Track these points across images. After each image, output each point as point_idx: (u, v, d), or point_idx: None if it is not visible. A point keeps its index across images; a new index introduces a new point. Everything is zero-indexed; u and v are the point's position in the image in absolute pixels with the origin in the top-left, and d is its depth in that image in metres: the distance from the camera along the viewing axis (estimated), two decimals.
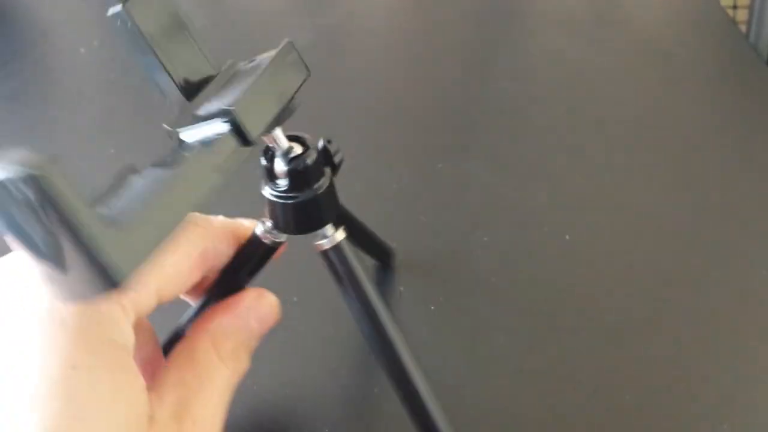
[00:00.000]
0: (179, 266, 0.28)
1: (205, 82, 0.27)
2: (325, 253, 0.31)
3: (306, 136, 0.29)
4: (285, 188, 0.29)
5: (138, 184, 0.22)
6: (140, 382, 0.24)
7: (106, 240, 0.18)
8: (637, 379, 0.38)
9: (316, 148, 0.29)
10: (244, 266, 0.32)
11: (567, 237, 0.46)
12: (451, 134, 0.56)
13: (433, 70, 0.64)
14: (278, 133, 0.28)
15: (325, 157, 0.30)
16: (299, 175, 0.28)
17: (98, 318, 0.23)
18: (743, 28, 0.84)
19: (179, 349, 0.28)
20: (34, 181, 0.17)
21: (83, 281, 0.19)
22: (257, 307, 0.30)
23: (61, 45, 0.70)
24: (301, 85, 0.27)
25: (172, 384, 0.26)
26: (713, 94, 0.61)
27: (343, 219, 0.33)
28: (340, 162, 0.30)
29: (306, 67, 0.27)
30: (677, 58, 0.65)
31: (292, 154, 0.28)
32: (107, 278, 0.19)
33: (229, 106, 0.24)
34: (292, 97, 0.26)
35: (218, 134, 0.24)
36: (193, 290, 0.31)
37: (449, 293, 0.38)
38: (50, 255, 0.18)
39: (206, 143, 0.24)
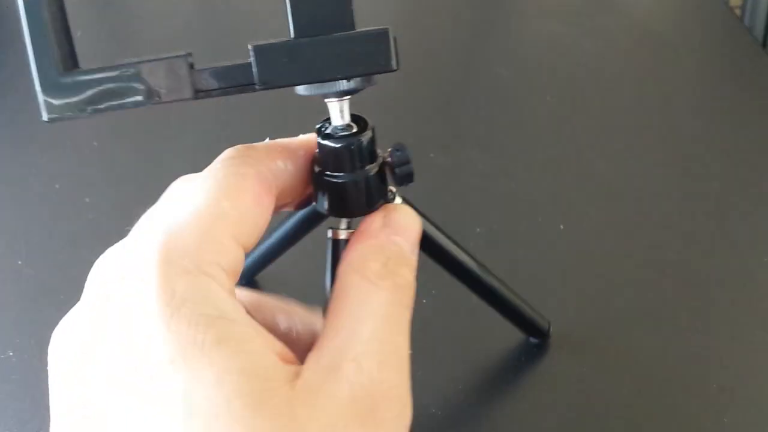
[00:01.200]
0: (240, 205, 0.24)
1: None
2: (335, 243, 0.30)
3: (370, 123, 0.27)
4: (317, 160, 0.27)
5: None
6: (249, 346, 0.21)
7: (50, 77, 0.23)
8: (635, 371, 0.37)
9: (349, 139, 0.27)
10: None
11: (561, 227, 0.45)
12: (443, 123, 0.55)
13: (424, 58, 0.63)
14: (346, 105, 0.26)
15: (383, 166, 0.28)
16: (325, 153, 0.27)
17: (187, 300, 0.21)
18: (737, 12, 0.83)
19: (329, 302, 0.25)
20: None
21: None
22: (390, 222, 0.26)
23: None
24: (376, 72, 0.24)
25: (327, 336, 0.23)
26: (710, 78, 0.60)
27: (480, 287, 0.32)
28: (405, 175, 0.28)
29: (393, 58, 0.24)
30: (672, 43, 0.64)
31: (331, 130, 0.27)
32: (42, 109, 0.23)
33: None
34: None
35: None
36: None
37: (442, 286, 0.37)
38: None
39: None
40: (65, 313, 0.22)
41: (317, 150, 0.27)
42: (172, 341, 0.20)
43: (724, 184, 0.48)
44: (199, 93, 0.24)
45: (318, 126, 0.28)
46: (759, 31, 0.78)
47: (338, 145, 0.27)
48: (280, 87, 0.24)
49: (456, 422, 0.35)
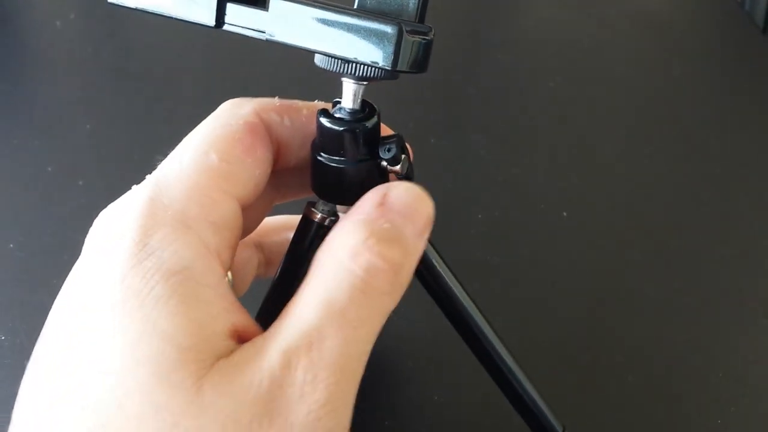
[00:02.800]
0: (229, 156, 0.23)
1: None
2: (305, 221, 0.28)
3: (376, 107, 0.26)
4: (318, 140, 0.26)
5: None
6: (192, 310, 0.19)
7: None
8: (639, 360, 0.37)
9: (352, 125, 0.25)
10: None
11: (564, 214, 0.44)
12: (444, 108, 0.54)
13: None
14: (357, 90, 0.25)
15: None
16: (327, 135, 0.25)
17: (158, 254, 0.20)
18: None
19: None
20: None
21: None
22: (389, 201, 0.23)
23: (36, 18, 0.68)
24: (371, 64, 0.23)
25: (279, 317, 0.21)
26: (710, 63, 0.60)
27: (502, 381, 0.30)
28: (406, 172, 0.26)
29: (390, 58, 0.23)
30: (673, 28, 0.63)
31: (343, 114, 0.25)
32: None
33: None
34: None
35: None
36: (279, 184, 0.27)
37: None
38: None
39: None
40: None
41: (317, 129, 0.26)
42: (120, 291, 0.19)
43: (727, 169, 0.48)
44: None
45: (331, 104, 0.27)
46: (760, 18, 0.77)
47: (337, 128, 0.26)
48: (289, 44, 0.23)
49: None
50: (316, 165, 0.26)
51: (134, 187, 0.22)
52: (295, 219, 0.30)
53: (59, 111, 0.54)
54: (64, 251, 0.39)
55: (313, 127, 0.26)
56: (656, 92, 0.56)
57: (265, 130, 0.25)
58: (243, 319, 0.21)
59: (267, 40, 0.23)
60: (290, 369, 0.19)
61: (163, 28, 0.64)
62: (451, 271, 0.29)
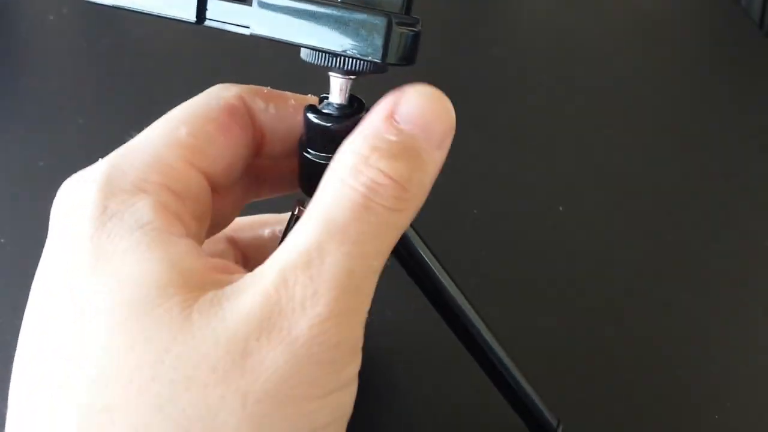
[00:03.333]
0: (199, 131, 0.23)
1: None
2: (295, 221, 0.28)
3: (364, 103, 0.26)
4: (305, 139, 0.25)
5: None
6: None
7: None
8: (636, 355, 0.36)
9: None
10: None
11: (560, 209, 0.44)
12: None
13: None
14: (345, 84, 0.25)
15: None
16: (314, 131, 0.25)
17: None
18: None
19: None
20: None
21: None
22: (399, 109, 0.22)
23: (29, 12, 0.67)
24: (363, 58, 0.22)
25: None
26: (706, 59, 0.60)
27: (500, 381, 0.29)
28: None
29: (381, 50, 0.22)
30: (668, 23, 0.63)
31: (330, 110, 0.25)
32: None
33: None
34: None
35: None
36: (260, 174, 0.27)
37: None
38: None
39: None
40: None
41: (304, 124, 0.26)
42: (89, 254, 0.19)
43: (726, 168, 0.48)
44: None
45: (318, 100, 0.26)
46: (756, 12, 0.77)
47: (325, 123, 0.25)
48: (273, 39, 0.23)
49: None
50: (304, 162, 0.26)
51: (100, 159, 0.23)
52: (267, 217, 0.30)
53: (51, 105, 0.53)
54: None
55: (300, 118, 0.25)
56: (651, 87, 0.56)
57: (246, 113, 0.25)
58: (221, 261, 0.21)
59: (251, 35, 0.23)
60: (287, 287, 0.19)
61: (156, 22, 0.63)
62: (441, 264, 0.29)
